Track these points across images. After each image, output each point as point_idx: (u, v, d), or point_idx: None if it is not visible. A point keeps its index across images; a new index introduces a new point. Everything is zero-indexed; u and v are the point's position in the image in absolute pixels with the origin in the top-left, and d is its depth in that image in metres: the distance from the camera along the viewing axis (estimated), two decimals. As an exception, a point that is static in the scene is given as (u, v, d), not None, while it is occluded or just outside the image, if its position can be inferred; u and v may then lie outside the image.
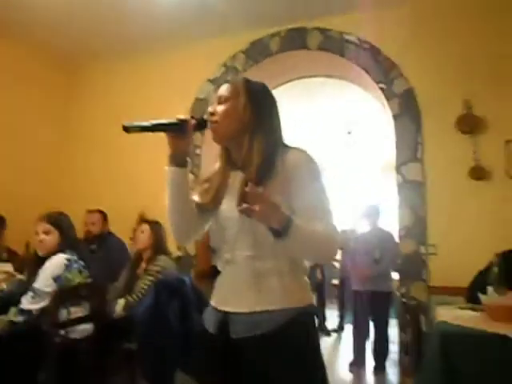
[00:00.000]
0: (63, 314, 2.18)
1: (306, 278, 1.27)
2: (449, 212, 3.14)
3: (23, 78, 4.17)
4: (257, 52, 3.82)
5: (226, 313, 1.22)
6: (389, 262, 3.74)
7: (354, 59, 3.49)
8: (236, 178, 1.27)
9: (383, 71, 3.40)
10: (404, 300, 2.23)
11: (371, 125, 5.68)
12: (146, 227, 2.90)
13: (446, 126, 3.19)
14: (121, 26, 3.82)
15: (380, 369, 3.71)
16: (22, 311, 2.10)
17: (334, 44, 3.57)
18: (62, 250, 2.29)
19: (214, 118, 1.25)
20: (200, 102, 3.95)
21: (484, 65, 3.14)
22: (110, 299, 2.62)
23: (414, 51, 3.35)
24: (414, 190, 3.23)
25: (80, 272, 2.30)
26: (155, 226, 2.94)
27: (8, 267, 2.80)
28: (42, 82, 4.39)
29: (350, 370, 3.79)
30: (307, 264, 1.28)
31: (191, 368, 1.32)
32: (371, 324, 3.91)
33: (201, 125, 1.24)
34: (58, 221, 2.36)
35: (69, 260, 2.25)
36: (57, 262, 2.21)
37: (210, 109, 1.28)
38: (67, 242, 2.33)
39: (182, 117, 1.21)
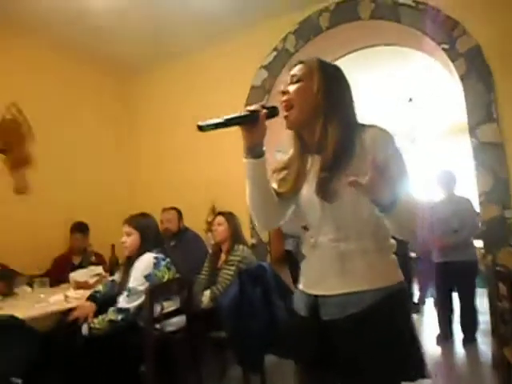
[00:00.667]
0: (157, 310, 2.31)
1: (393, 256, 1.25)
2: (533, 171, 2.94)
3: (82, 88, 4.40)
4: (307, 31, 3.75)
5: (315, 296, 1.24)
6: (469, 230, 3.58)
7: (412, 23, 3.33)
8: (314, 162, 1.26)
9: (445, 31, 3.21)
10: (498, 268, 2.13)
11: (435, 89, 5.41)
12: (221, 219, 2.98)
13: (521, 80, 2.97)
14: (172, 29, 3.90)
15: (470, 340, 3.59)
16: (120, 310, 2.24)
17: (388, 10, 3.42)
18: (148, 250, 2.41)
19: (286, 98, 1.24)
20: (256, 90, 3.96)
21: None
22: (197, 292, 2.73)
23: (476, 4, 3.13)
24: (491, 153, 3.05)
25: (168, 269, 2.42)
26: (230, 217, 3.02)
27: (99, 270, 2.99)
28: (101, 91, 4.62)
29: (438, 344, 3.70)
30: (393, 241, 1.26)
31: (285, 350, 1.35)
32: (456, 295, 3.77)
33: (272, 113, 1.23)
34: (136, 222, 2.48)
35: (156, 258, 2.37)
36: (146, 262, 2.33)
37: (282, 88, 1.26)
38: (148, 241, 2.44)
39: (252, 108, 1.20)
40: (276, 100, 4.45)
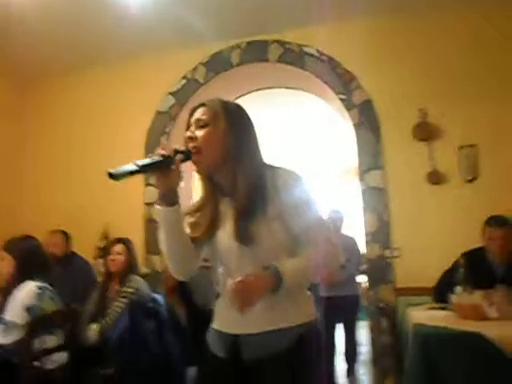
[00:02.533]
0: (36, 345, 2.07)
1: (308, 292, 1.29)
2: (410, 216, 3.29)
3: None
4: (217, 64, 3.83)
5: (235, 335, 1.21)
6: (355, 267, 3.85)
7: (314, 71, 3.59)
8: (227, 206, 1.24)
9: (343, 83, 3.52)
10: (381, 305, 2.31)
11: (330, 133, 5.85)
12: (121, 248, 2.81)
13: (403, 134, 3.35)
14: (76, 40, 3.70)
15: (352, 371, 3.80)
16: None
17: (294, 56, 3.65)
18: (29, 277, 2.16)
19: (194, 144, 1.20)
20: (162, 115, 3.89)
21: (438, 75, 3.34)
22: (83, 324, 2.51)
23: (371, 63, 3.50)
24: (377, 197, 3.36)
25: (52, 299, 2.19)
26: (130, 245, 2.86)
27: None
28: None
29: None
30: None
31: None
32: (341, 328, 3.99)
33: (186, 157, 1.18)
34: (11, 246, 2.24)
35: (40, 288, 2.14)
36: (28, 292, 2.09)
37: (189, 133, 1.22)
38: (26, 267, 2.20)
39: (166, 153, 1.13)
40: (181, 129, 4.43)
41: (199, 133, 1.21)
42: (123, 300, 2.62)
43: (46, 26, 3.44)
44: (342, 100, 3.53)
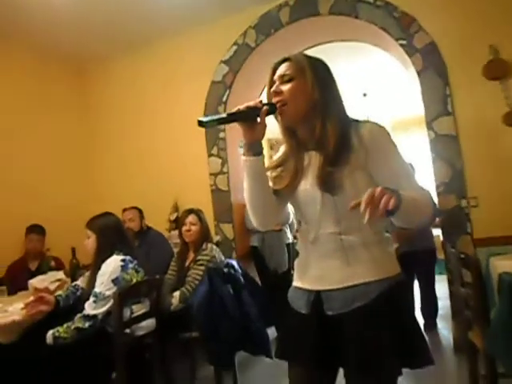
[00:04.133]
0: (127, 314, 2.22)
1: (391, 248, 1.27)
2: (486, 162, 3.09)
3: (38, 81, 4.16)
4: (267, 25, 3.74)
5: (317, 291, 1.23)
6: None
7: (369, 19, 3.39)
8: (311, 159, 1.25)
9: (402, 27, 3.29)
10: (462, 256, 2.22)
11: (390, 83, 5.57)
12: (195, 218, 2.89)
13: (473, 75, 3.10)
14: (130, 19, 3.75)
15: (431, 326, 3.73)
16: (87, 317, 2.13)
17: (346, 6, 3.46)
18: (112, 251, 2.30)
19: (280, 98, 1.22)
20: (217, 85, 3.90)
21: (508, 7, 3.02)
22: (165, 293, 2.66)
23: (432, 2, 3.24)
24: (447, 145, 3.17)
25: (136, 271, 2.32)
26: (201, 214, 2.95)
27: (60, 275, 2.84)
28: (57, 84, 4.38)
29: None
30: (388, 234, 1.28)
31: (284, 351, 1.32)
32: (416, 283, 3.91)
33: (271, 110, 1.21)
34: (92, 224, 2.37)
35: (124, 261, 2.27)
36: (113, 265, 2.23)
37: (274, 88, 1.24)
38: (107, 242, 2.32)
39: (252, 104, 1.18)
40: (237, 96, 4.40)
41: (285, 87, 1.22)
42: (201, 267, 2.72)
43: (102, 5, 3.51)
44: (402, 46, 3.32)
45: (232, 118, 1.18)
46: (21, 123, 3.92)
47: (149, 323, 2.37)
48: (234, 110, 1.18)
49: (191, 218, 2.89)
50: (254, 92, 3.95)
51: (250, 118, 1.18)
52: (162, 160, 4.17)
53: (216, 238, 3.87)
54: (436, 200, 3.26)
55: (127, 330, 2.23)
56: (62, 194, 4.13)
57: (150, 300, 2.39)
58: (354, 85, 5.64)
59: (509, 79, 3.03)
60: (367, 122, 1.24)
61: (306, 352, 1.20)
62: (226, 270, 2.73)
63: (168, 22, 3.84)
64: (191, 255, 2.90)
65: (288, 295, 1.34)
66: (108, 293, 2.16)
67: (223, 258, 2.89)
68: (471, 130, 3.12)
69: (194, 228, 2.86)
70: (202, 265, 2.73)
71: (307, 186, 1.24)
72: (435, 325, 3.77)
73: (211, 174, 3.93)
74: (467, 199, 3.10)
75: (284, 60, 1.26)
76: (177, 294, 2.67)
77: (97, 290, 2.18)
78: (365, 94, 6.10)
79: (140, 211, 3.58)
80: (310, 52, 4.02)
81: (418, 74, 3.27)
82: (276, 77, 1.26)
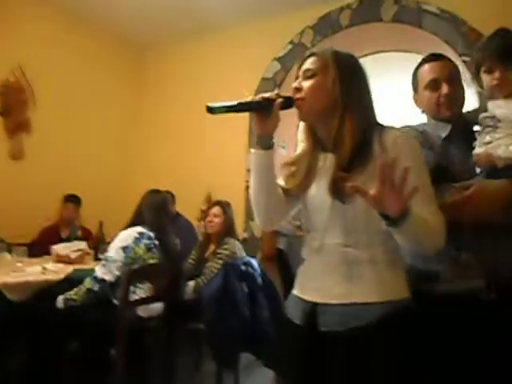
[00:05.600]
0: (135, 292, 2.24)
1: (402, 270, 1.14)
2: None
3: (97, 63, 4.31)
4: (326, 27, 3.66)
5: (314, 303, 1.14)
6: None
7: (434, 31, 3.22)
8: (326, 160, 1.17)
9: (467, 43, 3.10)
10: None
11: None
12: (219, 210, 2.85)
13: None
14: (186, 10, 3.81)
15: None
16: (96, 279, 2.17)
17: (411, 15, 3.32)
18: (136, 224, 2.35)
19: (300, 95, 1.15)
20: (267, 82, 3.86)
21: None
22: (182, 280, 2.65)
23: (500, 19, 3.01)
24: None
25: (148, 249, 2.32)
26: (228, 207, 2.91)
27: (82, 245, 2.90)
28: (114, 66, 4.53)
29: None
30: (402, 254, 1.15)
31: (273, 359, 1.25)
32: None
33: (287, 103, 1.15)
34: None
35: (141, 234, 2.30)
36: (128, 233, 2.29)
37: (296, 84, 1.18)
38: (136, 214, 2.42)
39: (267, 95, 1.13)
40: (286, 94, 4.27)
41: (306, 83, 1.16)
42: (219, 261, 2.68)
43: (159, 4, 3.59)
44: (464, 62, 3.11)
45: (242, 107, 1.12)
46: (73, 96, 4.08)
47: (157, 307, 2.37)
48: (248, 99, 1.13)
49: (215, 209, 2.86)
50: (303, 92, 3.87)
51: (262, 109, 1.12)
52: (203, 148, 4.19)
53: (243, 235, 3.83)
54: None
55: (134, 309, 2.24)
56: (99, 168, 4.26)
57: (161, 285, 2.39)
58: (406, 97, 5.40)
59: None
60: (394, 129, 1.13)
61: (293, 367, 1.13)
62: (243, 267, 2.69)
63: (226, 10, 3.84)
64: (212, 247, 2.87)
65: (286, 302, 1.28)
66: (116, 257, 2.21)
67: (244, 255, 2.84)
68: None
69: (216, 220, 2.83)
70: (220, 258, 2.69)
71: (318, 189, 1.17)
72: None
73: (248, 170, 3.89)
74: None
75: (311, 55, 1.20)
76: (192, 283, 2.65)
77: (108, 253, 2.24)
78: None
79: (172, 196, 3.60)
80: (368, 59, 3.94)
81: (479, 94, 3.06)
82: (300, 72, 1.19)
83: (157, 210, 2.45)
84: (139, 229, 2.32)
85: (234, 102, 1.12)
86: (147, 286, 2.33)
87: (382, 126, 1.15)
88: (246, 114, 1.17)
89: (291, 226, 3.45)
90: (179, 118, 4.41)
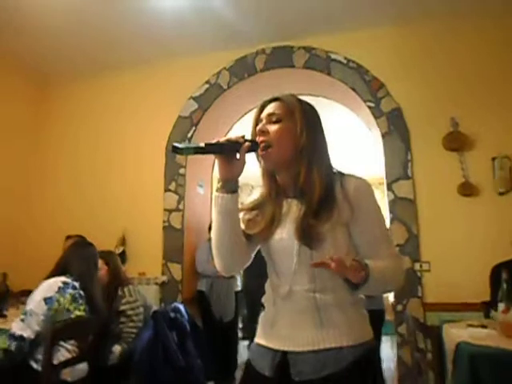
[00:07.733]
0: (58, 353, 1.97)
1: (364, 310, 1.17)
2: (440, 228, 3.17)
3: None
4: (241, 69, 3.77)
5: (283, 352, 1.10)
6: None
7: (341, 78, 3.52)
8: (291, 207, 1.16)
9: (371, 90, 3.43)
10: (421, 321, 2.19)
11: (356, 143, 5.76)
12: (100, 262, 2.51)
13: (434, 144, 3.25)
14: (101, 44, 3.68)
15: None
16: (13, 336, 1.88)
17: (320, 63, 3.58)
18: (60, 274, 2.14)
19: (265, 138, 1.14)
20: (183, 120, 3.83)
21: (471, 83, 3.24)
22: (107, 343, 2.37)
23: (401, 70, 3.42)
24: (405, 207, 3.24)
25: (74, 299, 2.09)
26: (110, 257, 2.66)
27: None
28: (16, 96, 4.13)
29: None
30: (362, 295, 1.20)
31: None
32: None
33: (253, 147, 1.13)
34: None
35: (65, 283, 2.07)
36: (51, 283, 2.05)
37: (261, 127, 1.16)
38: (61, 262, 2.23)
39: (234, 138, 1.10)
40: (202, 134, 4.31)
41: (271, 127, 1.15)
42: (130, 324, 2.46)
43: (75, 26, 3.41)
44: (370, 108, 3.44)
45: (210, 149, 1.08)
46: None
47: (84, 368, 2.11)
48: (214, 141, 1.09)
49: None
50: (220, 132, 3.91)
51: (229, 152, 1.09)
52: (114, 187, 3.95)
53: (162, 279, 3.66)
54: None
55: (56, 372, 1.96)
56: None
57: (86, 342, 2.14)
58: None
59: (466, 151, 3.19)
60: (353, 176, 1.16)
61: None
62: (172, 314, 2.54)
63: (143, 47, 3.77)
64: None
65: (249, 352, 1.21)
66: (39, 311, 1.95)
67: (145, 298, 2.64)
68: (429, 195, 3.22)
69: (101, 272, 2.52)
70: (129, 316, 2.47)
71: (283, 235, 1.14)
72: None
73: (165, 210, 3.76)
74: (420, 263, 3.15)
75: (274, 99, 1.19)
76: (117, 349, 2.39)
77: (27, 307, 1.97)
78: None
79: (84, 239, 3.31)
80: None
81: (383, 136, 3.39)
82: (263, 115, 1.18)
83: (86, 261, 2.25)
84: (63, 278, 2.09)
85: (202, 144, 1.08)
86: (71, 344, 2.07)
87: (340, 173, 1.18)
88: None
89: (213, 266, 3.38)
90: (91, 156, 4.13)
